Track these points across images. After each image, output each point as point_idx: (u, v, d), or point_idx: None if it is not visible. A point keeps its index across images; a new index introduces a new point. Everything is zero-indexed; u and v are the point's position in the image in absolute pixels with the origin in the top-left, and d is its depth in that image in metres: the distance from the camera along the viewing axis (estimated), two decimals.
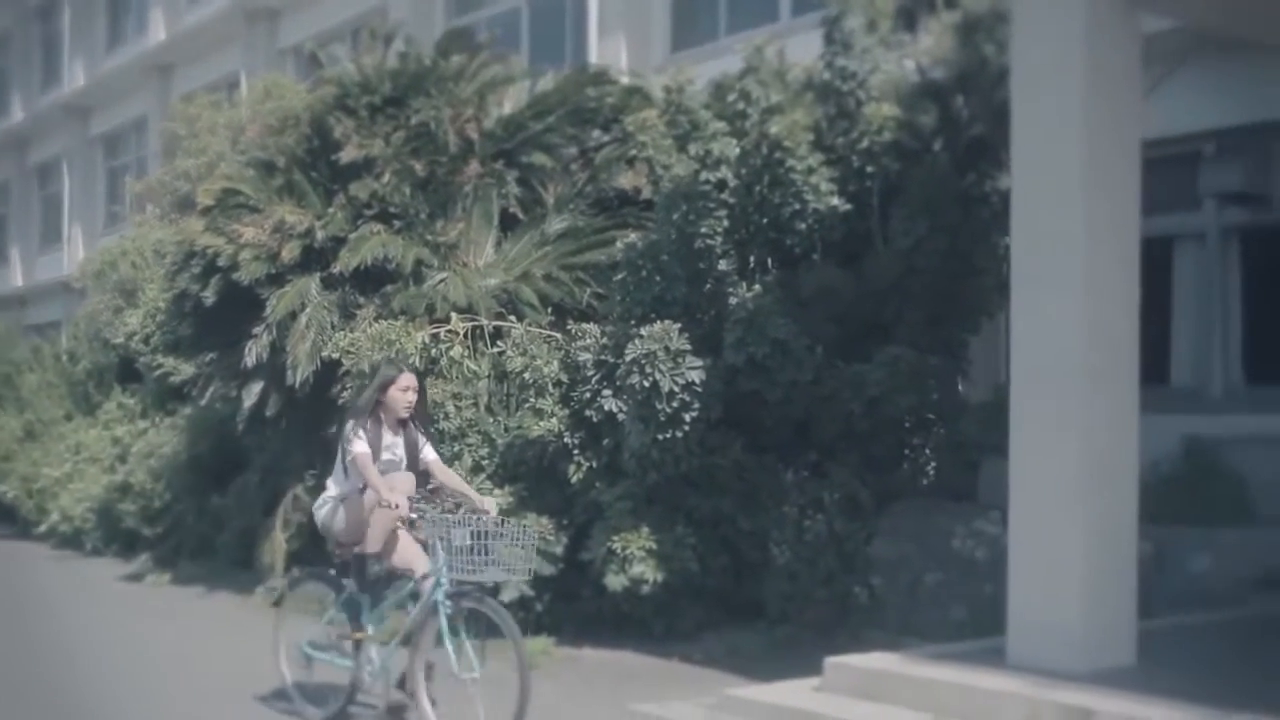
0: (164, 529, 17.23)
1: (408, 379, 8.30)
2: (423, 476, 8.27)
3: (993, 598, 8.16)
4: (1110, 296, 7.74)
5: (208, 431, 16.45)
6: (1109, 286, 7.74)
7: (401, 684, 8.00)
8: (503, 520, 7.84)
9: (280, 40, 24.74)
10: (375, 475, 7.96)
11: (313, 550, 13.42)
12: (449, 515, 7.73)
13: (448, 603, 7.62)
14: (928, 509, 10.20)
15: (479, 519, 7.68)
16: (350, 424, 8.20)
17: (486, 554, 7.53)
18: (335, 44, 18.39)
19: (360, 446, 8.04)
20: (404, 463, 8.26)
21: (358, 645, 8.15)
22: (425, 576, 7.88)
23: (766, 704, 7.88)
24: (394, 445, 8.27)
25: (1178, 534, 10.71)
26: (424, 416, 8.56)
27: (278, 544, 13.64)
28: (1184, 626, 9.31)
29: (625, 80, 14.06)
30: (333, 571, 8.44)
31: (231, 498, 15.68)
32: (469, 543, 7.55)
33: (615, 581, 10.03)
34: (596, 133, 13.38)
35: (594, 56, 16.82)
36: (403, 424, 8.30)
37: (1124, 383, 7.84)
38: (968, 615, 9.24)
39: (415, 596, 7.99)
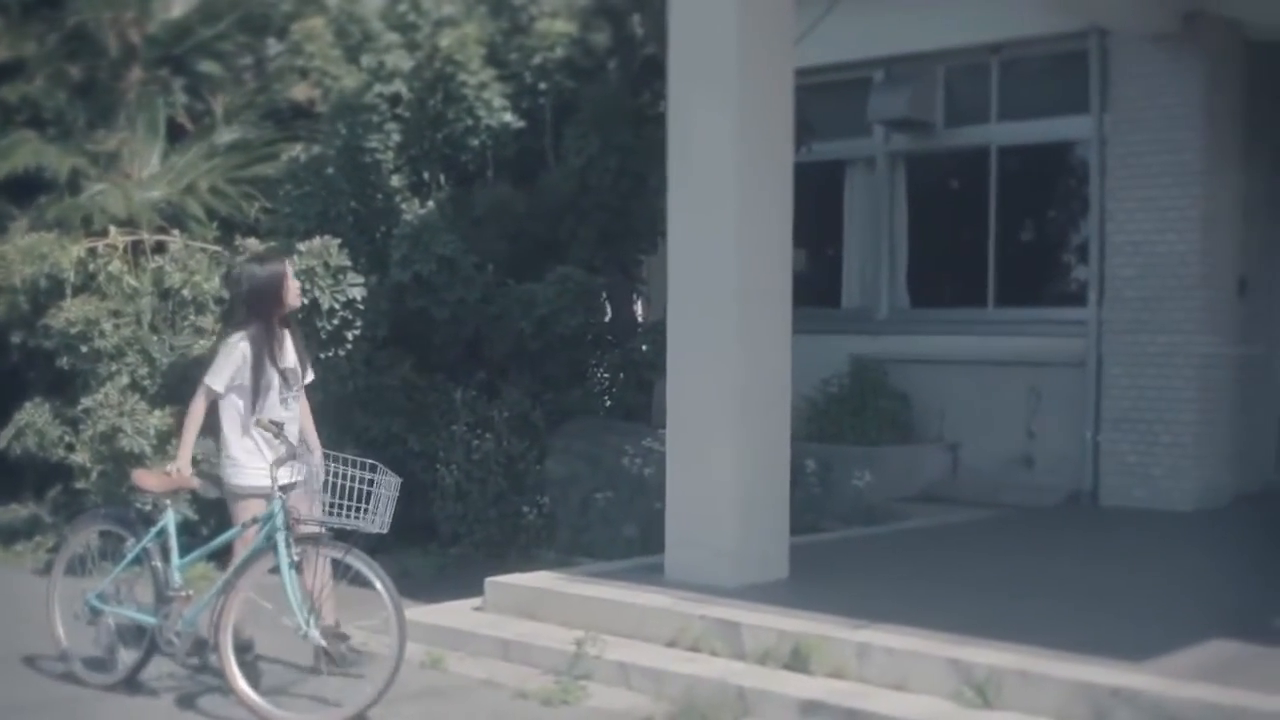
0: None
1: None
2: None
3: (661, 515, 8.24)
4: (764, 217, 7.76)
5: None
6: (762, 207, 7.75)
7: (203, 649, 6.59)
8: (358, 462, 6.38)
9: None
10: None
11: None
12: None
13: (295, 548, 6.24)
14: (600, 428, 10.24)
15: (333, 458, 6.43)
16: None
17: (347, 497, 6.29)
18: None
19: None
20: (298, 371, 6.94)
21: (163, 596, 6.71)
22: (254, 520, 6.50)
23: (426, 624, 7.76)
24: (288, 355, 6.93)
25: (844, 451, 11.07)
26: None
27: None
28: (842, 541, 9.59)
29: None
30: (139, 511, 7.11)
31: None
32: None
33: None
34: (271, 41, 12.92)
35: None
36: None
37: (777, 304, 7.89)
38: (638, 533, 9.30)
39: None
